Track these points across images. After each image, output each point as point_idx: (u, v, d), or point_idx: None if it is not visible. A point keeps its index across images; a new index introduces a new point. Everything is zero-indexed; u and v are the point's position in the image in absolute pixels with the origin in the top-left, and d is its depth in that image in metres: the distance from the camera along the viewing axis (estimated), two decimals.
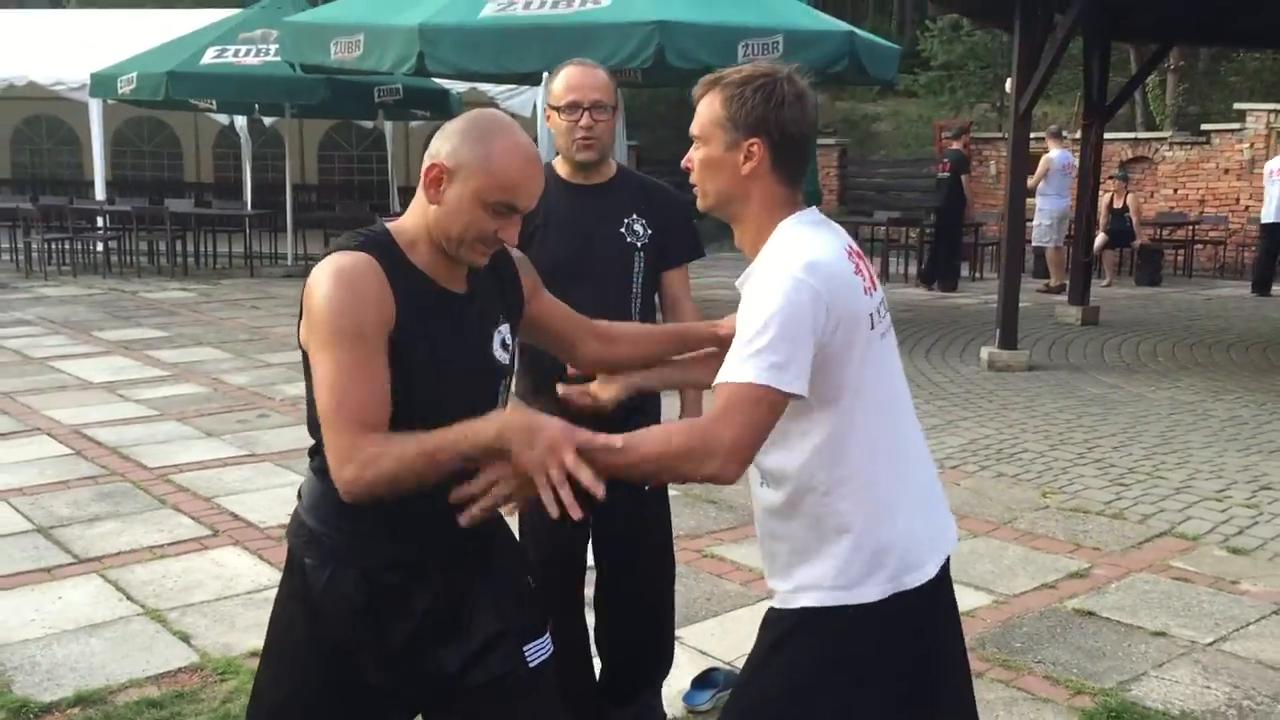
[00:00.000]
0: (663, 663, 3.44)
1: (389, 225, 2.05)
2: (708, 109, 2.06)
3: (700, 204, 2.15)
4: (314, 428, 2.03)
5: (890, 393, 2.10)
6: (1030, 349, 9.42)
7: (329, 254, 1.98)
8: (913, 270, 14.97)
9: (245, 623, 4.12)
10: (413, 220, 2.02)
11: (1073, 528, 5.27)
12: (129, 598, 4.34)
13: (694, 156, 2.10)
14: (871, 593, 2.02)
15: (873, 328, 2.03)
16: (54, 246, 14.58)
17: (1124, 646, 4.03)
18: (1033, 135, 16.62)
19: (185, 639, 4.00)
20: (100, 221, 15.23)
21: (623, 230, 3.11)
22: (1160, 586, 4.58)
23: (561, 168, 3.13)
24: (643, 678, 3.40)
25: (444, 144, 1.97)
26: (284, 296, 12.60)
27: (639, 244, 3.12)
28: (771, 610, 2.12)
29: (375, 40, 9.56)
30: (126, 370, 8.53)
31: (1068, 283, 12.16)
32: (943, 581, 2.14)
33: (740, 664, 2.43)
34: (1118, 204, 14.68)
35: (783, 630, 2.08)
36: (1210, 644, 4.06)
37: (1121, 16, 9.95)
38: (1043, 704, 3.62)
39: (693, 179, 2.11)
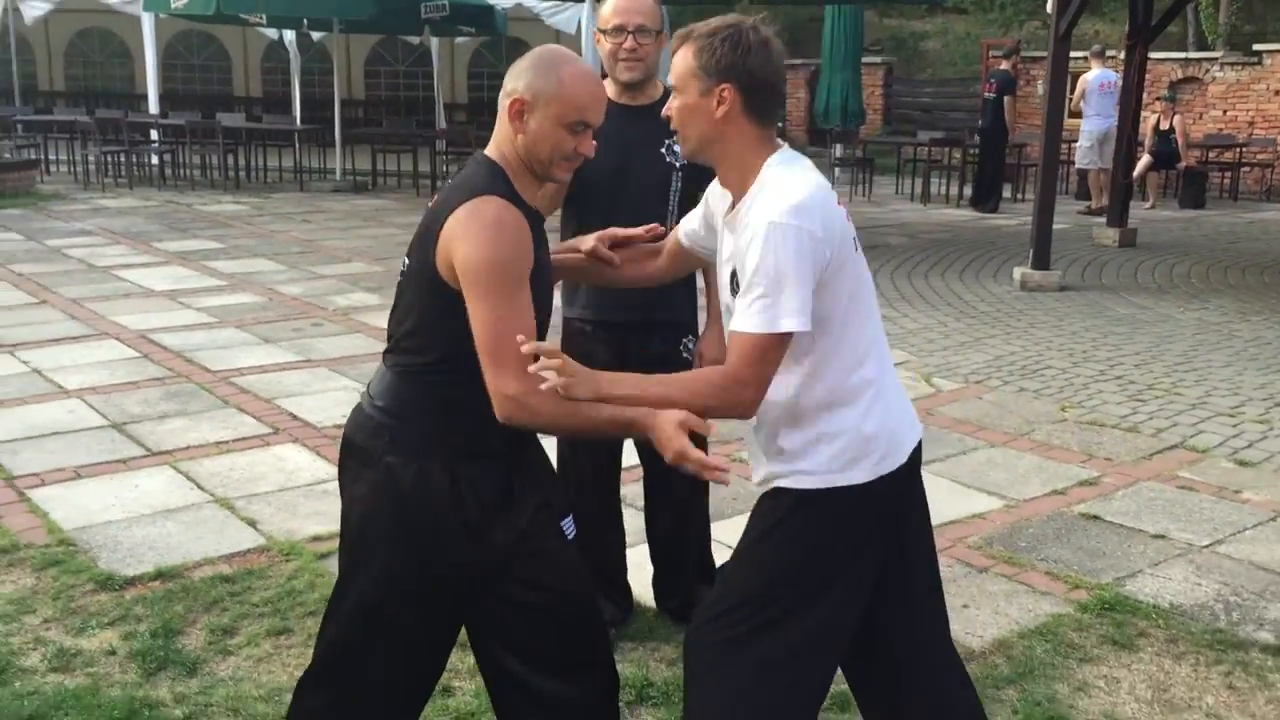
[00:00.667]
0: (704, 554, 3.72)
1: (491, 158, 2.27)
2: (682, 60, 2.23)
3: (682, 150, 2.34)
4: (407, 335, 2.29)
5: (868, 301, 2.32)
6: (1064, 270, 9.55)
7: (471, 198, 2.16)
8: (954, 191, 15.01)
9: (306, 511, 4.47)
10: (503, 151, 2.27)
11: (1087, 439, 5.51)
12: (199, 487, 4.71)
13: (673, 105, 2.27)
14: (859, 475, 2.28)
15: (856, 250, 2.25)
16: (110, 159, 14.94)
17: (1124, 547, 4.30)
18: (1083, 54, 16.55)
19: (252, 524, 4.36)
20: (154, 135, 15.55)
21: (663, 150, 3.31)
22: (1165, 494, 4.83)
23: (610, 88, 3.32)
24: (683, 563, 3.70)
25: (518, 80, 2.22)
26: (333, 210, 12.92)
27: (678, 164, 3.31)
28: (766, 497, 2.37)
29: None
30: (186, 279, 8.90)
31: (1107, 204, 12.22)
32: (914, 467, 2.41)
33: None
34: (1164, 125, 14.60)
35: (779, 513, 2.33)
36: (1206, 546, 4.31)
37: None
38: (1041, 596, 3.90)
39: (673, 126, 2.29)
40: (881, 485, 2.30)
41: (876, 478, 2.29)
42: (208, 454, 5.09)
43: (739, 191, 2.26)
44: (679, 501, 3.64)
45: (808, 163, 2.29)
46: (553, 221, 3.06)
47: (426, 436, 2.29)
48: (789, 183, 2.18)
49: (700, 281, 3.48)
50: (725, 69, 2.18)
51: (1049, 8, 8.99)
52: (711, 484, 3.75)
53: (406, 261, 2.31)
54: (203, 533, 4.27)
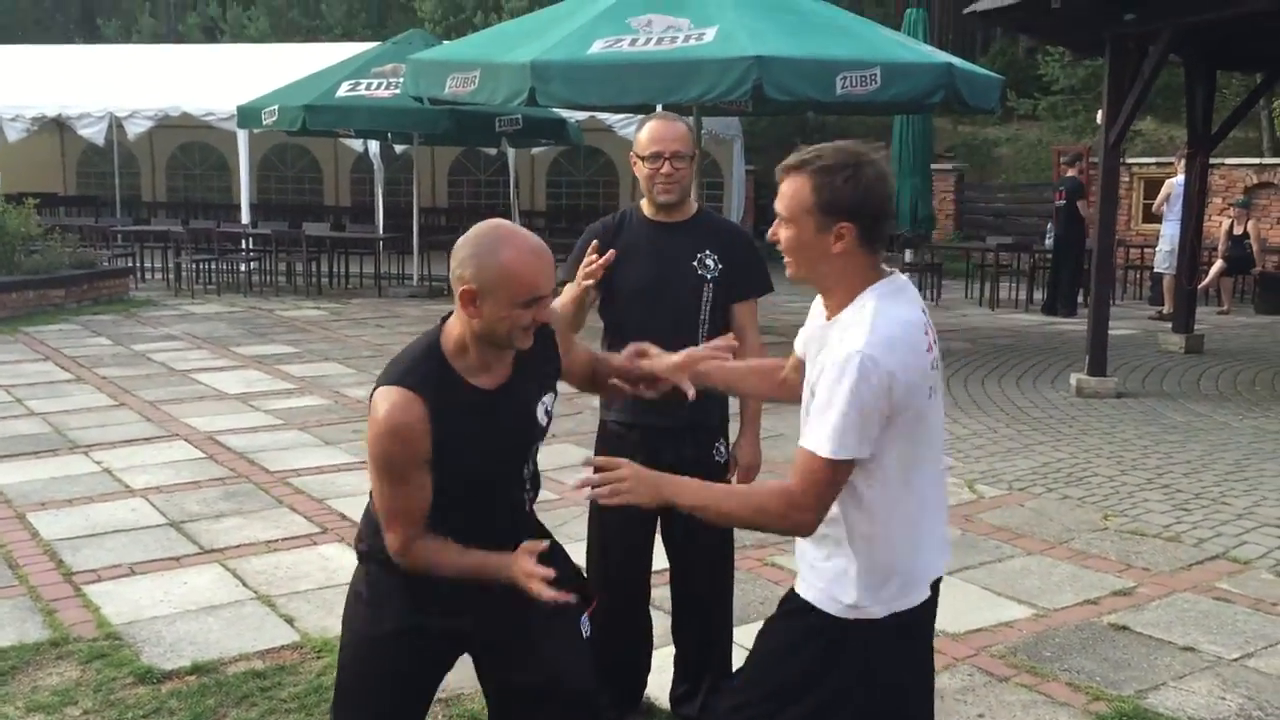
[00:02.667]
0: (724, 660, 3.78)
1: (444, 330, 2.48)
2: (795, 193, 2.24)
3: (790, 274, 2.33)
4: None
5: (923, 450, 2.33)
6: (1125, 377, 9.48)
7: (389, 383, 2.40)
8: (1023, 295, 14.99)
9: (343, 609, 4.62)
10: (460, 328, 2.45)
11: (1127, 549, 5.46)
12: (244, 584, 4.90)
13: (782, 235, 2.28)
14: (874, 611, 2.33)
15: (929, 397, 2.29)
16: (201, 266, 15.63)
17: (1149, 659, 4.25)
18: (1157, 160, 16.53)
19: (290, 621, 4.53)
20: (244, 244, 16.25)
21: (695, 264, 3.50)
22: (1200, 606, 4.77)
23: (645, 207, 3.57)
24: (704, 667, 3.76)
25: (465, 268, 2.36)
26: (407, 315, 13.33)
27: (709, 276, 3.50)
28: (793, 594, 2.46)
29: (490, 75, 10.15)
30: (258, 383, 9.26)
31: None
32: (931, 602, 2.46)
33: None
34: (1238, 230, 14.49)
35: (797, 631, 2.42)
36: (1235, 659, 4.25)
37: (1227, 46, 9.93)
38: (1059, 707, 3.88)
39: (782, 251, 2.30)
40: (890, 623, 2.34)
41: (882, 617, 2.34)
42: (256, 552, 5.29)
43: (838, 310, 2.31)
44: (704, 598, 3.72)
45: (912, 294, 2.34)
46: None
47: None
48: (885, 316, 2.22)
49: None
50: (846, 208, 2.21)
51: (1099, 119, 9.08)
52: (736, 586, 3.86)
53: None
54: (242, 629, 4.44)
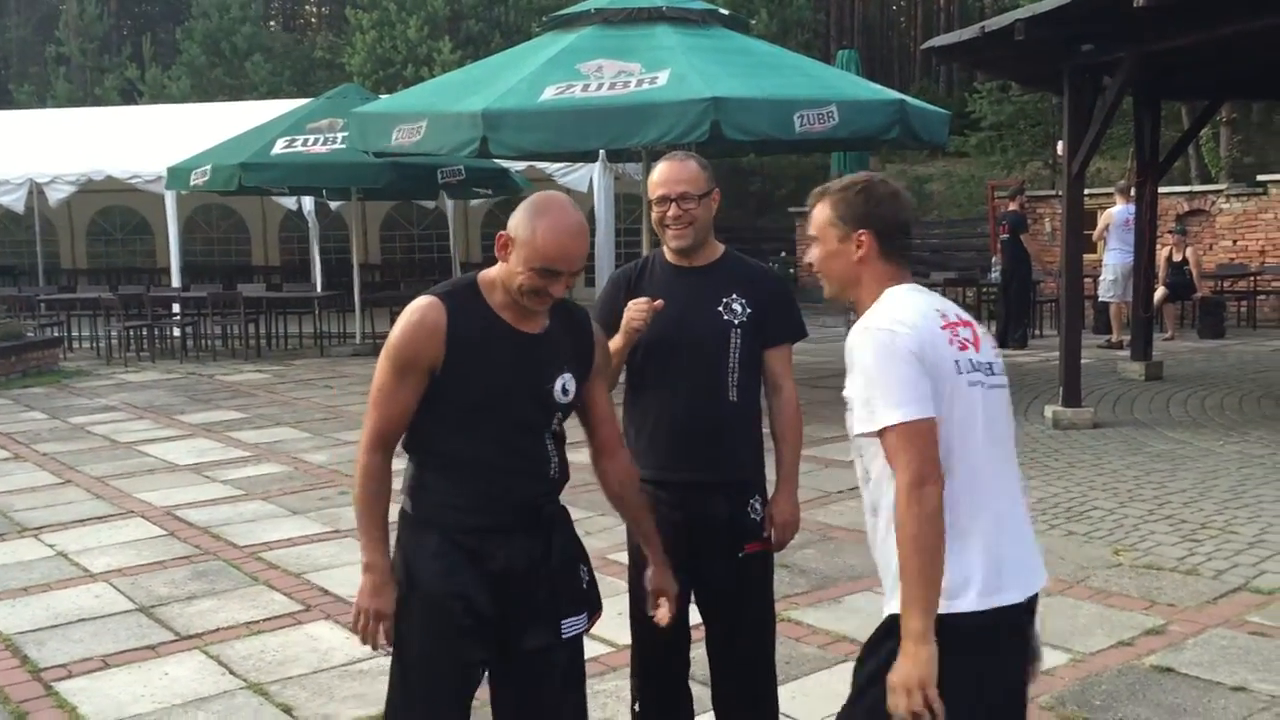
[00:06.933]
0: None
1: (480, 274, 2.66)
2: (820, 213, 2.51)
3: (825, 292, 2.57)
4: (410, 438, 2.66)
5: (983, 430, 2.35)
6: (1095, 406, 9.43)
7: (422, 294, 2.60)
8: None
9: (343, 693, 4.28)
10: (496, 271, 2.64)
11: (1146, 585, 5.31)
12: (231, 672, 4.53)
13: (813, 253, 2.55)
14: (962, 604, 2.27)
15: (959, 373, 2.34)
16: (133, 334, 15.08)
17: (1204, 703, 4.07)
18: (1097, 191, 16.77)
19: (288, 710, 4.17)
20: (176, 308, 15.73)
21: (721, 309, 3.26)
22: (1238, 642, 4.61)
23: (667, 251, 3.34)
24: None
25: (512, 219, 2.58)
26: (355, 375, 12.93)
27: (736, 321, 3.26)
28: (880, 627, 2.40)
29: (437, 125, 9.91)
30: (210, 452, 8.82)
31: (1127, 338, 12.19)
32: (1026, 619, 2.38)
33: None
34: (1176, 257, 14.68)
35: (888, 636, 2.33)
36: None
37: (1170, 76, 10.04)
38: None
39: (815, 270, 2.56)
40: (983, 620, 2.28)
41: (973, 610, 2.27)
42: (238, 635, 4.92)
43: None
44: (744, 662, 3.47)
45: (932, 294, 2.47)
46: None
47: (426, 510, 2.64)
48: (897, 300, 2.39)
49: (769, 441, 3.38)
50: (861, 217, 2.45)
51: (1059, 150, 9.09)
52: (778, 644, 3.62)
53: None
54: None
